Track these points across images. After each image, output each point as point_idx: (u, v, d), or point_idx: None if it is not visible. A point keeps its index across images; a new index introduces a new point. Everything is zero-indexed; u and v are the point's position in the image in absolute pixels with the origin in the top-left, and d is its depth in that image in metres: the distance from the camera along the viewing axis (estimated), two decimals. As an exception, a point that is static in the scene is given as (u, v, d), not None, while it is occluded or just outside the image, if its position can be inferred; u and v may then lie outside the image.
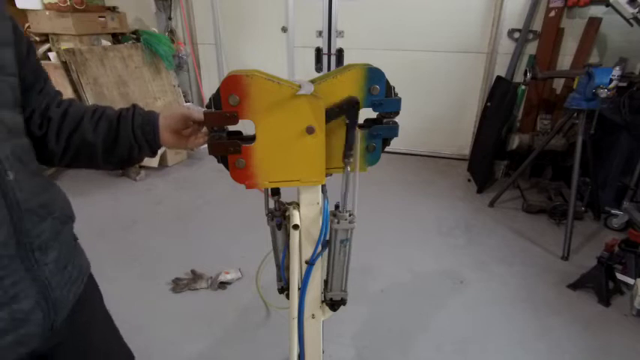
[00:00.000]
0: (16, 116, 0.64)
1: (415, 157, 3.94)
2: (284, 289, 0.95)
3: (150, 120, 0.79)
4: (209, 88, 4.33)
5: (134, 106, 0.80)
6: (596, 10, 3.00)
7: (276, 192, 0.85)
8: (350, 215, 0.84)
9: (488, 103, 3.37)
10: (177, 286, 2.09)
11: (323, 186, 0.82)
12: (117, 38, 3.69)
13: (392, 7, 3.55)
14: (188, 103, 4.21)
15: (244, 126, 0.74)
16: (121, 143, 0.77)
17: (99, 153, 0.77)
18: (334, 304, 0.94)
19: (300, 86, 0.71)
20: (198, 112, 0.79)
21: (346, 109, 0.74)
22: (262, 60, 4.04)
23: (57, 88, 0.79)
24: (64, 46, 3.26)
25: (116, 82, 3.42)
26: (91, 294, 0.84)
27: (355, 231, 0.86)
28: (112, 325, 0.94)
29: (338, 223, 0.84)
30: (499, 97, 3.18)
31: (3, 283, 0.60)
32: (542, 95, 3.28)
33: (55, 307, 0.69)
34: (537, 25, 3.22)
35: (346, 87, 0.73)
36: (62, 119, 0.75)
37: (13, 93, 0.64)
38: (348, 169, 0.80)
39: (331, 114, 0.74)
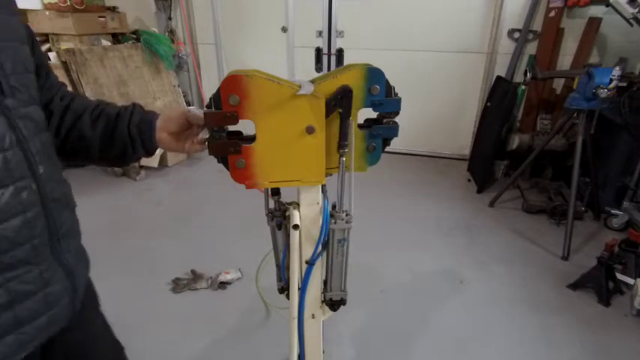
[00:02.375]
0: (40, 111, 0.66)
1: (415, 157, 3.94)
2: (284, 289, 0.95)
3: (147, 119, 0.79)
4: (209, 88, 4.32)
5: (134, 104, 0.80)
6: (596, 10, 3.00)
7: (276, 192, 0.85)
8: (347, 215, 0.84)
9: (488, 103, 3.37)
10: (177, 286, 2.09)
11: (323, 186, 0.82)
12: (117, 38, 3.70)
13: (392, 7, 3.55)
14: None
15: (244, 126, 0.74)
16: (117, 141, 0.78)
17: (95, 149, 0.78)
18: (334, 304, 0.94)
19: (300, 86, 0.71)
20: (197, 114, 0.78)
21: (340, 98, 0.73)
22: (262, 60, 4.03)
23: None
24: (64, 46, 3.26)
25: (116, 82, 3.42)
26: (90, 301, 0.85)
27: (355, 231, 0.86)
28: (109, 330, 0.95)
29: (335, 223, 0.84)
30: (499, 97, 3.18)
31: (39, 269, 0.63)
32: (542, 95, 3.28)
33: (78, 292, 0.73)
34: (537, 25, 3.22)
35: (346, 87, 0.73)
36: (64, 113, 0.76)
37: (36, 89, 0.66)
38: (344, 167, 0.79)
39: (328, 108, 0.73)
